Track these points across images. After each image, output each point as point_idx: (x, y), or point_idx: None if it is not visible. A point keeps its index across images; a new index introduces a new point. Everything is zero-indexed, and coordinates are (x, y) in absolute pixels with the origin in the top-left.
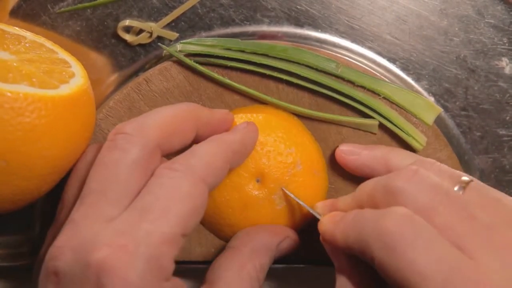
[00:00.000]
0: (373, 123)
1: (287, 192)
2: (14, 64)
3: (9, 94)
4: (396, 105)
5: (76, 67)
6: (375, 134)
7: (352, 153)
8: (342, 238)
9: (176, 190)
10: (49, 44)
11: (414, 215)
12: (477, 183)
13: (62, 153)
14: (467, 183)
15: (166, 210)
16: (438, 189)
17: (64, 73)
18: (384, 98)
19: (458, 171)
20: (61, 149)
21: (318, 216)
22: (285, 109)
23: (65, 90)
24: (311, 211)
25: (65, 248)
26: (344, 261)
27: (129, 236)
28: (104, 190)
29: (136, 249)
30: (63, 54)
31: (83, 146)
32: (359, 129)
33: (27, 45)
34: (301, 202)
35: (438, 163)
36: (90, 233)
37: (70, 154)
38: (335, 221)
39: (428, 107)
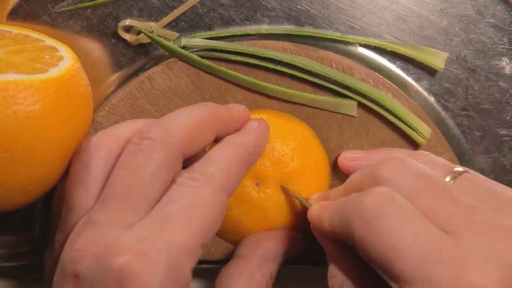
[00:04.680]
0: (351, 103)
1: (285, 188)
2: (1, 56)
3: None
4: (403, 56)
5: (64, 51)
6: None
7: (353, 159)
8: (328, 222)
9: (198, 200)
10: (34, 34)
11: (394, 193)
12: (473, 174)
13: (63, 136)
14: (460, 173)
15: (189, 220)
16: (422, 176)
17: (52, 57)
18: (391, 51)
19: (452, 164)
20: (61, 132)
21: (308, 206)
22: (285, 95)
23: (54, 72)
24: (303, 203)
25: (87, 252)
26: (333, 248)
27: (151, 244)
28: (128, 195)
29: (158, 257)
30: (49, 41)
31: (84, 127)
32: (358, 128)
33: (13, 38)
34: (294, 195)
35: (432, 155)
36: (112, 238)
37: (71, 136)
38: (323, 207)
39: (434, 55)
